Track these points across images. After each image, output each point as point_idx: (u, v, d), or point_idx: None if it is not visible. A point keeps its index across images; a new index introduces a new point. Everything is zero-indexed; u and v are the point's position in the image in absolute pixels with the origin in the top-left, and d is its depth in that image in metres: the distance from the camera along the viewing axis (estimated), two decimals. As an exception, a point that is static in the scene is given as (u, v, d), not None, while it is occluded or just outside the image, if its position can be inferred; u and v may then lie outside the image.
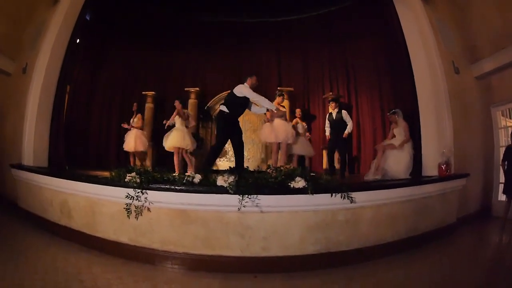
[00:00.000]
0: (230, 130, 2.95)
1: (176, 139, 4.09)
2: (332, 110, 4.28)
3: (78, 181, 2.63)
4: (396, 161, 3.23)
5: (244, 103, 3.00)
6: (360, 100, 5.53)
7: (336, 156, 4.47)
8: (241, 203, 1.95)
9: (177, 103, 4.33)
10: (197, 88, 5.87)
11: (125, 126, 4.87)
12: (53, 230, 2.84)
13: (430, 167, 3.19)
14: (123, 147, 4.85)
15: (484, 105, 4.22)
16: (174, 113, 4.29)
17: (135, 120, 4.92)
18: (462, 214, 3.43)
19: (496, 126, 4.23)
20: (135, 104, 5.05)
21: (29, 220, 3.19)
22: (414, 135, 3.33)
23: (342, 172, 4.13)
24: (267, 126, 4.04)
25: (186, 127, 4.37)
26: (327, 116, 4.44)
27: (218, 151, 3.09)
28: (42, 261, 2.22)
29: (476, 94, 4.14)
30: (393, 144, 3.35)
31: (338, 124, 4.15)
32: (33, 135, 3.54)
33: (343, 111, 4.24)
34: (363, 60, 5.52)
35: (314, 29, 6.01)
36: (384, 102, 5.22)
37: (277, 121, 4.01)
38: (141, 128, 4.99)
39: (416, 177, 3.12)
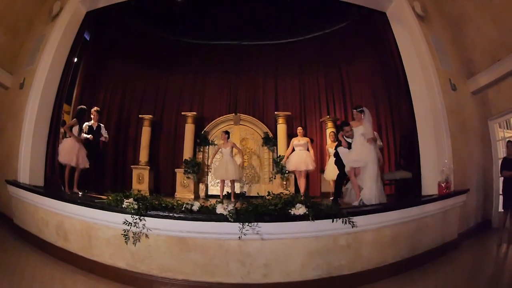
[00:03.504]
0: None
1: (221, 171, 4.53)
2: None
3: (73, 204, 2.57)
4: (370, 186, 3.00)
5: None
6: None
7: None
8: (241, 231, 1.91)
9: (226, 138, 4.64)
10: (194, 113, 5.80)
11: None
12: (49, 250, 2.76)
13: (429, 186, 3.18)
14: (61, 159, 3.65)
15: (482, 119, 4.24)
16: (219, 147, 4.70)
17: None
18: (463, 229, 3.41)
19: (495, 139, 4.24)
20: (83, 109, 3.92)
21: (25, 238, 3.10)
22: (413, 155, 3.32)
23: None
24: (294, 155, 4.54)
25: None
26: None
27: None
28: (38, 281, 2.16)
29: (473, 109, 4.16)
30: (360, 166, 3.10)
31: None
32: (29, 154, 3.47)
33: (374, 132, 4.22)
34: (360, 81, 5.50)
35: (310, 51, 6.04)
36: (381, 123, 5.19)
37: (302, 151, 4.50)
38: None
39: (416, 197, 3.10)
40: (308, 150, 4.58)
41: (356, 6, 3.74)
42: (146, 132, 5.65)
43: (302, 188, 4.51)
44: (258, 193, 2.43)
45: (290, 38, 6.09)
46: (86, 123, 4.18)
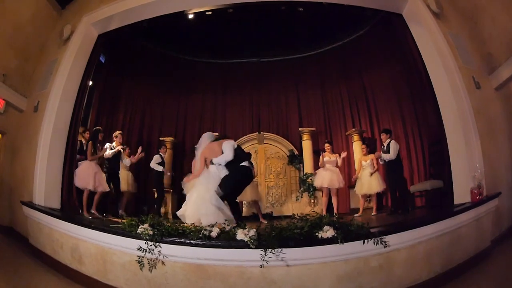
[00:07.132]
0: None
1: (249, 193, 4.38)
2: (384, 141, 4.13)
3: (88, 228, 2.52)
4: None
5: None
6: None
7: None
8: (263, 259, 1.77)
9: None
10: (217, 134, 5.54)
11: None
12: (64, 272, 2.72)
13: (462, 194, 2.96)
14: (78, 183, 3.57)
15: (508, 115, 3.98)
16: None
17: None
18: (496, 235, 3.16)
19: (522, 134, 3.97)
20: (97, 130, 3.91)
21: (39, 258, 3.07)
22: (443, 162, 3.10)
23: (406, 208, 3.88)
24: (321, 172, 4.42)
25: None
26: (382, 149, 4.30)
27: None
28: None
29: (498, 105, 3.92)
30: None
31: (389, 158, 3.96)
32: (44, 176, 3.44)
33: (391, 141, 4.05)
34: (382, 89, 5.29)
35: (330, 63, 5.89)
36: (408, 130, 4.94)
37: (330, 168, 4.36)
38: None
39: (449, 207, 2.88)
40: (337, 166, 4.45)
41: (372, 11, 3.58)
42: (167, 155, 5.50)
43: (330, 206, 4.41)
44: (295, 214, 2.25)
45: (309, 52, 5.98)
46: (108, 144, 4.17)
